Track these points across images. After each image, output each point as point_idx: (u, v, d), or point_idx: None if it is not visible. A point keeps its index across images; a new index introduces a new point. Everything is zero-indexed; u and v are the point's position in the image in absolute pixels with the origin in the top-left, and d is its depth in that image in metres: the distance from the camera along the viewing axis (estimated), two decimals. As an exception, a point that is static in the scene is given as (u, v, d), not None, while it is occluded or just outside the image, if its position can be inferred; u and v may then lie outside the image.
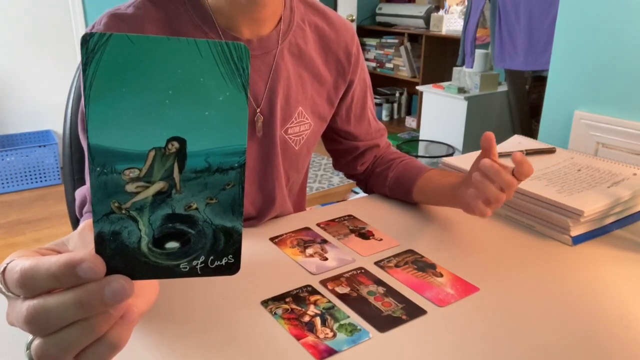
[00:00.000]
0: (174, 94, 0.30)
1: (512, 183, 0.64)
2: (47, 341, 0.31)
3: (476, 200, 0.67)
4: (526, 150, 1.00)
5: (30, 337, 0.32)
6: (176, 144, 0.30)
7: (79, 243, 0.35)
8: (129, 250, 0.32)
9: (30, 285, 0.31)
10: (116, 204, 0.31)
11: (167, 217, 0.32)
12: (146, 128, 0.30)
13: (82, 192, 0.73)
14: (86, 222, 0.36)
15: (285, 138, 0.84)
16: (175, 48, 0.29)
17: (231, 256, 0.34)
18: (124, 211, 0.31)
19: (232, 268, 0.34)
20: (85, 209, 0.72)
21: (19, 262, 0.32)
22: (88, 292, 0.30)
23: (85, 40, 0.28)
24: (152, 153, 0.30)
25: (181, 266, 0.33)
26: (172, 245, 0.33)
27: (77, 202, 0.74)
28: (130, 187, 0.31)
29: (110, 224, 0.31)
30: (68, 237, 0.37)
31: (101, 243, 0.31)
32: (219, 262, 0.34)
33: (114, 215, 0.31)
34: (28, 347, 0.32)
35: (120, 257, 0.32)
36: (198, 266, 0.34)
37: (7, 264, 0.33)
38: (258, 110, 0.78)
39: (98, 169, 0.30)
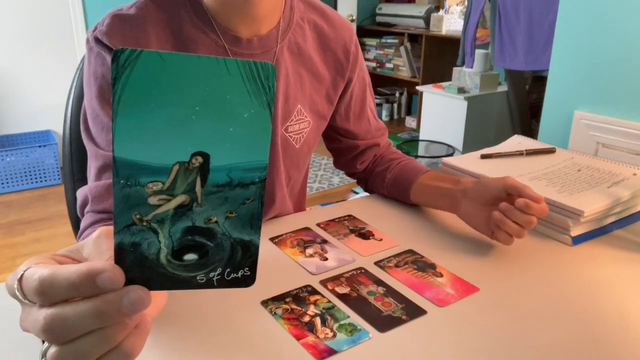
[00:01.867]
0: (201, 110, 0.30)
1: (531, 222, 0.69)
2: (63, 350, 0.31)
3: (500, 233, 0.72)
4: (526, 150, 1.00)
5: (45, 344, 0.32)
6: (200, 159, 0.31)
7: (94, 251, 0.35)
8: (147, 262, 0.32)
9: (48, 294, 0.31)
10: (138, 216, 0.31)
11: (187, 230, 0.33)
12: (171, 142, 0.30)
13: (84, 191, 0.73)
14: (101, 230, 0.36)
15: (286, 136, 0.84)
16: (204, 66, 0.29)
17: (247, 269, 0.35)
18: (145, 223, 0.31)
19: (248, 280, 0.35)
20: (87, 209, 0.72)
21: (37, 270, 0.32)
22: (106, 302, 0.31)
23: (116, 55, 0.28)
24: (176, 167, 0.31)
25: (198, 278, 0.34)
26: (190, 257, 0.33)
27: (78, 202, 0.74)
28: (152, 200, 0.31)
29: (131, 235, 0.31)
30: (82, 243, 0.37)
31: (121, 254, 0.32)
32: (235, 275, 0.34)
33: (135, 226, 0.31)
34: (43, 355, 0.32)
35: (138, 268, 0.32)
36: (214, 278, 0.34)
37: (24, 271, 0.33)
38: None
39: (122, 181, 0.30)
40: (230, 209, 0.33)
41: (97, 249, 0.35)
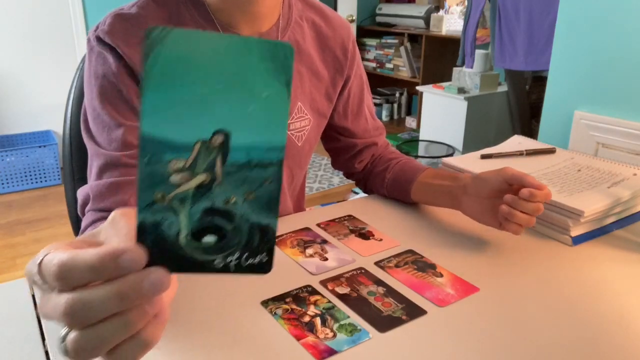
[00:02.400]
0: (223, 89, 0.31)
1: (538, 209, 0.69)
2: (83, 334, 0.31)
3: (509, 225, 0.72)
4: (526, 150, 1.00)
5: (65, 329, 0.32)
6: (220, 137, 0.31)
7: (111, 232, 0.35)
8: (167, 243, 0.32)
9: (68, 278, 0.31)
10: (160, 195, 0.31)
11: (206, 211, 0.33)
12: (194, 120, 0.31)
13: (85, 190, 0.73)
14: (115, 212, 0.36)
15: (288, 134, 0.84)
16: (228, 45, 0.30)
17: (265, 254, 0.34)
18: (166, 202, 0.32)
19: (265, 267, 0.35)
20: (87, 208, 0.72)
21: (56, 255, 0.32)
22: (128, 283, 0.31)
23: (149, 32, 0.29)
24: (198, 145, 0.31)
25: (215, 262, 0.34)
26: (209, 239, 0.33)
27: (79, 201, 0.74)
28: (174, 178, 0.31)
29: (153, 214, 0.32)
30: (98, 229, 0.37)
31: (142, 233, 0.32)
32: (252, 260, 0.34)
33: (157, 205, 0.32)
34: (63, 340, 0.32)
35: (158, 250, 0.32)
36: (232, 263, 0.34)
37: (44, 256, 0.33)
38: None
39: (146, 158, 0.30)
40: (249, 190, 0.33)
41: (114, 229, 0.35)
